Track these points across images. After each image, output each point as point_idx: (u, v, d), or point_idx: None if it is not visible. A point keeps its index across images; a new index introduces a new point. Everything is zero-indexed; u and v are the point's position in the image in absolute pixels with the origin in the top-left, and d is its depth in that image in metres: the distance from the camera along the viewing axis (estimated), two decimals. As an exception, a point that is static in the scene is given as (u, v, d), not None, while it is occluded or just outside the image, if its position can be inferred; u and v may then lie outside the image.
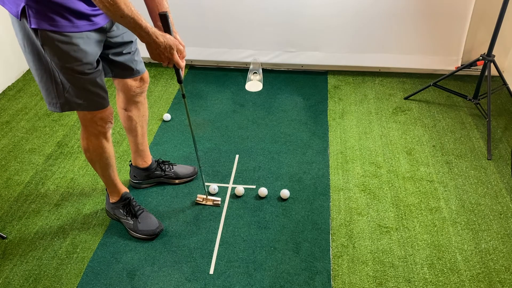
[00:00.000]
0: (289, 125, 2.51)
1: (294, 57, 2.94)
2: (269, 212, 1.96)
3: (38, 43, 1.36)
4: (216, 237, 1.85)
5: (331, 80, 2.92)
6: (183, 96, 1.70)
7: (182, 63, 1.52)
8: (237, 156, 2.29)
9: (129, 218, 1.86)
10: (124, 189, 1.90)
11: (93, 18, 1.40)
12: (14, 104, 2.73)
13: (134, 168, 2.05)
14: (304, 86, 2.87)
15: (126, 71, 1.69)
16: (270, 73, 3.01)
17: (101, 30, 1.46)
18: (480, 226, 1.88)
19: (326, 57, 2.92)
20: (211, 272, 1.72)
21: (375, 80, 2.91)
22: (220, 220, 1.93)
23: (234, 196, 2.05)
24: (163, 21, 1.45)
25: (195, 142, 1.87)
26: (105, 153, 1.70)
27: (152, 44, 1.40)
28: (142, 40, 1.39)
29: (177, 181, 2.10)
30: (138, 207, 1.89)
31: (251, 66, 2.93)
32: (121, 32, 1.58)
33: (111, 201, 1.90)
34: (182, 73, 1.60)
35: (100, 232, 1.89)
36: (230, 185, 2.11)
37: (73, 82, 1.45)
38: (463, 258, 1.76)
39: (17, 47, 2.97)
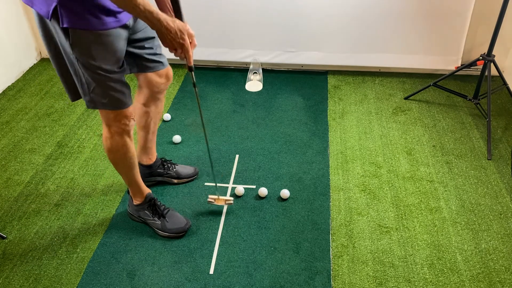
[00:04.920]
0: (289, 125, 2.51)
1: (294, 57, 2.94)
2: (269, 212, 1.96)
3: (67, 43, 1.36)
4: (216, 237, 1.85)
5: (331, 80, 2.92)
6: (194, 85, 1.63)
7: (191, 51, 1.48)
8: (237, 156, 2.29)
9: (156, 218, 1.85)
10: (147, 190, 1.87)
11: (118, 15, 1.41)
12: (14, 104, 2.73)
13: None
14: (304, 86, 2.87)
15: (150, 63, 1.70)
16: (270, 73, 3.01)
17: (125, 27, 1.47)
18: (480, 226, 1.88)
19: (326, 57, 2.91)
20: (211, 272, 1.72)
21: (375, 80, 2.91)
22: (220, 220, 1.93)
23: (234, 196, 2.05)
24: (174, 4, 1.45)
25: (207, 141, 1.86)
26: (129, 152, 1.68)
27: (163, 30, 1.38)
28: (153, 27, 1.38)
29: (175, 181, 2.10)
30: (163, 206, 1.88)
31: (251, 66, 2.93)
32: (143, 27, 1.59)
33: (134, 203, 1.87)
34: (191, 60, 1.52)
35: (100, 232, 1.89)
36: (230, 185, 2.11)
37: (99, 81, 1.45)
38: (463, 258, 1.76)
39: (17, 47, 2.98)
